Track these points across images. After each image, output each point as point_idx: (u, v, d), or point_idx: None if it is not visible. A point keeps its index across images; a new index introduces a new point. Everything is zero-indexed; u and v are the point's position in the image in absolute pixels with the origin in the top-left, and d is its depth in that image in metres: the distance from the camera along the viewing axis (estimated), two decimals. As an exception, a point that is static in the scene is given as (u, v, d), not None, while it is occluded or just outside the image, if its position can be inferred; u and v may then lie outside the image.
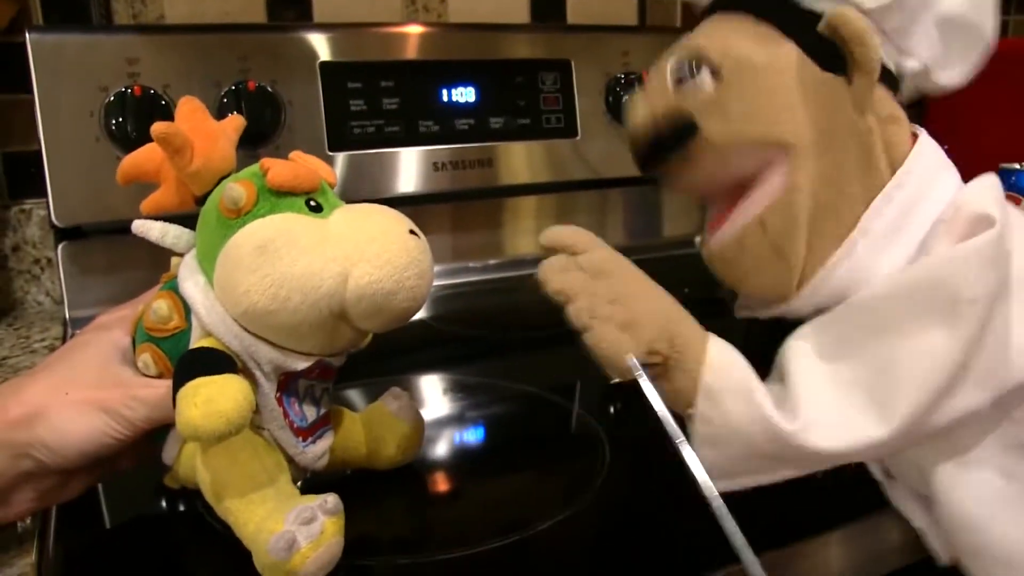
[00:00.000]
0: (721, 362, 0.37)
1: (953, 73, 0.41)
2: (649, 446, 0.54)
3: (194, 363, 0.38)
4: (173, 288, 0.42)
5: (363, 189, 0.89)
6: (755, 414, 0.36)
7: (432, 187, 0.91)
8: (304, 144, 0.86)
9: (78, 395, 0.41)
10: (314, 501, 0.39)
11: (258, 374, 0.40)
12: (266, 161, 0.41)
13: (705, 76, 0.40)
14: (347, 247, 0.39)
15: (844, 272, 0.39)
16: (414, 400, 0.51)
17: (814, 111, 0.38)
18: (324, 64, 0.87)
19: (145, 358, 0.43)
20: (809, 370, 0.37)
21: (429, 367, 0.73)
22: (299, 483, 0.43)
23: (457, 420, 0.62)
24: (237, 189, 0.39)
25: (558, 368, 0.72)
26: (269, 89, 0.83)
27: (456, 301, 0.95)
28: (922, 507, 0.41)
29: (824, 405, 0.36)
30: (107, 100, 0.79)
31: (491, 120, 0.94)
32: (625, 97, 0.42)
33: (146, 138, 0.47)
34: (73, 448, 0.40)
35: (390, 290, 0.39)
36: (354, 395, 0.64)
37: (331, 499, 0.39)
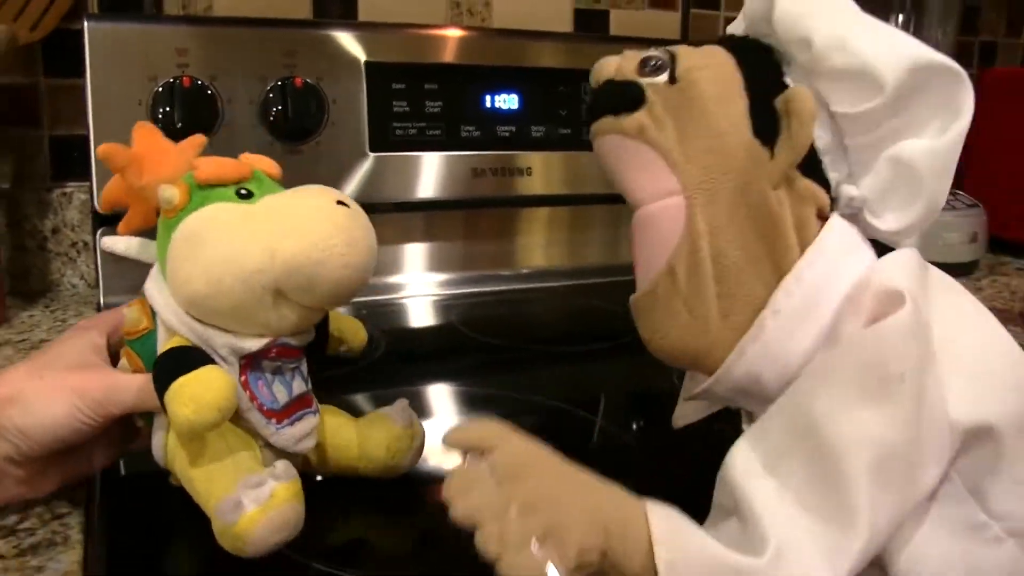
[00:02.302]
0: (670, 531, 0.34)
1: (889, 217, 0.39)
2: (674, 456, 0.55)
3: (169, 363, 0.41)
4: (144, 296, 0.45)
5: (402, 192, 0.89)
6: (723, 570, 0.33)
7: (470, 193, 0.92)
8: (345, 143, 0.86)
9: (53, 379, 0.42)
10: (265, 468, 0.40)
11: (218, 360, 0.42)
12: (197, 159, 0.44)
13: (663, 78, 0.40)
14: (272, 224, 0.41)
15: (755, 353, 0.38)
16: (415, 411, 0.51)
17: (728, 167, 0.38)
18: (369, 63, 0.87)
19: (123, 362, 0.46)
20: (760, 489, 0.35)
21: (453, 377, 0.72)
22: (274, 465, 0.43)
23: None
24: (169, 189, 0.42)
25: (584, 380, 0.72)
26: (315, 86, 0.84)
27: (486, 309, 0.94)
28: None
29: (788, 524, 0.33)
30: (156, 89, 0.80)
31: (533, 128, 0.94)
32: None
33: (192, 129, 0.50)
34: (45, 431, 0.41)
35: (318, 259, 0.40)
36: (367, 405, 0.64)
37: (280, 464, 0.40)
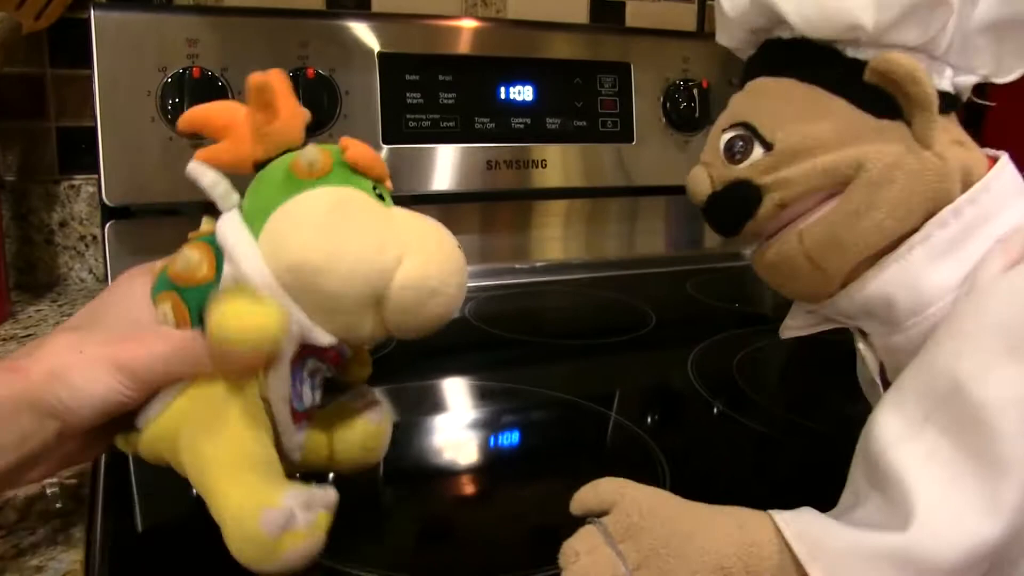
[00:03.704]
0: (800, 533, 0.34)
1: (1014, 72, 0.40)
2: (703, 455, 0.54)
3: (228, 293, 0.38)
4: (207, 242, 0.41)
5: (416, 184, 0.88)
6: (869, 555, 0.33)
7: (485, 186, 0.90)
8: (358, 135, 0.84)
9: (92, 352, 0.39)
10: (313, 487, 0.38)
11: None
12: (345, 140, 0.41)
13: (758, 151, 0.39)
14: (408, 236, 0.39)
15: (894, 273, 0.37)
16: (382, 399, 0.49)
17: (873, 160, 0.37)
18: (382, 55, 0.86)
19: (165, 308, 0.41)
20: (905, 457, 0.34)
21: (465, 371, 0.71)
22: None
23: (489, 428, 0.60)
24: (316, 151, 0.40)
25: (604, 376, 0.70)
26: (328, 77, 0.82)
27: (501, 303, 0.93)
28: None
29: (937, 488, 0.33)
30: (165, 80, 0.79)
31: (547, 120, 0.92)
32: (690, 171, 0.41)
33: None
34: (91, 408, 0.39)
35: (433, 288, 0.39)
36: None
37: (332, 492, 0.38)
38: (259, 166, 0.42)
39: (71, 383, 0.39)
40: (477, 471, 0.53)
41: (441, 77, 0.88)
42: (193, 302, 0.41)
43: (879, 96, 0.37)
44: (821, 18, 0.38)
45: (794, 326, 0.46)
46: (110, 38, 0.78)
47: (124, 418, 0.42)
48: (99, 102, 0.78)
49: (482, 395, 0.66)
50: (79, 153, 0.92)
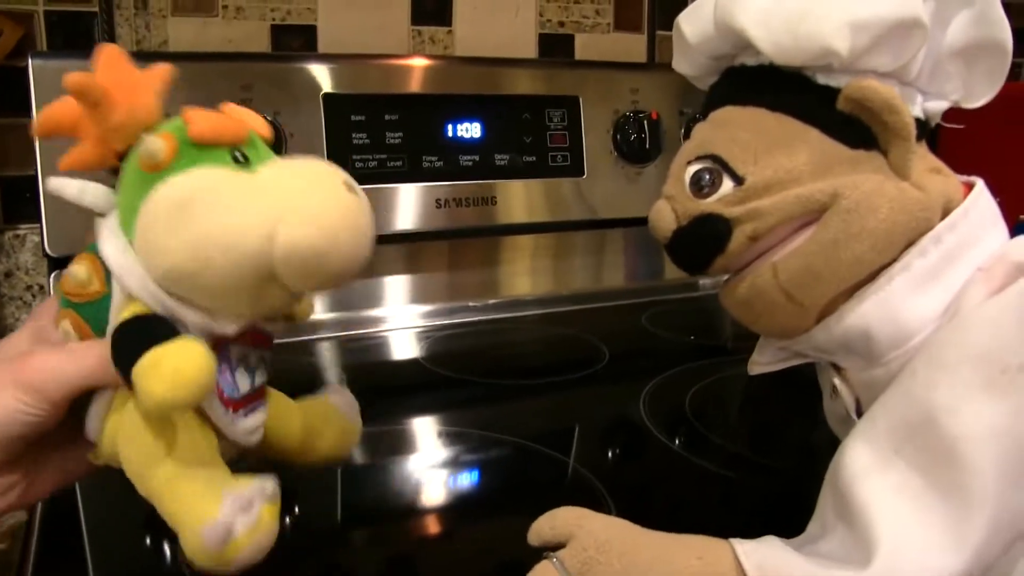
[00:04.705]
0: (759, 566, 0.34)
1: (983, 96, 0.40)
2: (652, 496, 0.54)
3: (139, 332, 0.36)
4: (94, 251, 0.39)
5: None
6: None
7: (434, 225, 0.90)
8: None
9: None
10: (250, 485, 0.36)
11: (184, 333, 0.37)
12: (188, 111, 0.38)
13: (727, 185, 0.38)
14: (274, 202, 0.36)
15: (873, 305, 0.36)
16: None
17: (852, 178, 0.36)
18: (327, 96, 0.85)
19: (64, 325, 0.40)
20: (872, 490, 0.33)
21: (419, 412, 0.70)
22: (228, 461, 0.40)
23: (438, 473, 0.59)
24: (156, 142, 0.37)
25: (553, 417, 0.69)
26: (270, 120, 0.82)
27: (453, 341, 0.92)
28: None
29: (902, 524, 0.32)
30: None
31: (496, 156, 0.92)
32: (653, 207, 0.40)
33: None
34: None
35: (322, 250, 0.36)
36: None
37: (270, 484, 0.37)
38: (122, 155, 0.39)
39: None
40: (428, 515, 0.53)
41: (387, 116, 0.87)
42: (91, 317, 0.39)
43: (852, 125, 0.36)
44: (793, 45, 0.36)
45: (763, 362, 0.45)
46: (49, 86, 0.77)
47: (65, 451, 0.41)
48: (39, 151, 0.77)
49: (431, 440, 0.65)
50: (23, 202, 0.91)
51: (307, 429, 0.45)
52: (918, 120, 0.38)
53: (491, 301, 1.00)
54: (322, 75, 0.86)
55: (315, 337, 0.89)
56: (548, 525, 0.38)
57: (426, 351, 0.87)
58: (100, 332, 0.38)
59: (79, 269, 0.39)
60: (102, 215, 0.40)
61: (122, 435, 0.38)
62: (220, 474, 0.38)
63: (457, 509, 0.54)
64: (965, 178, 0.40)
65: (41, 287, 0.92)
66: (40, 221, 0.77)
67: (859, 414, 0.40)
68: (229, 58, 0.86)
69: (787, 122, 0.37)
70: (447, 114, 0.90)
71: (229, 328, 0.38)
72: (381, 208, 0.87)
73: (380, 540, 0.49)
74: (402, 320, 0.95)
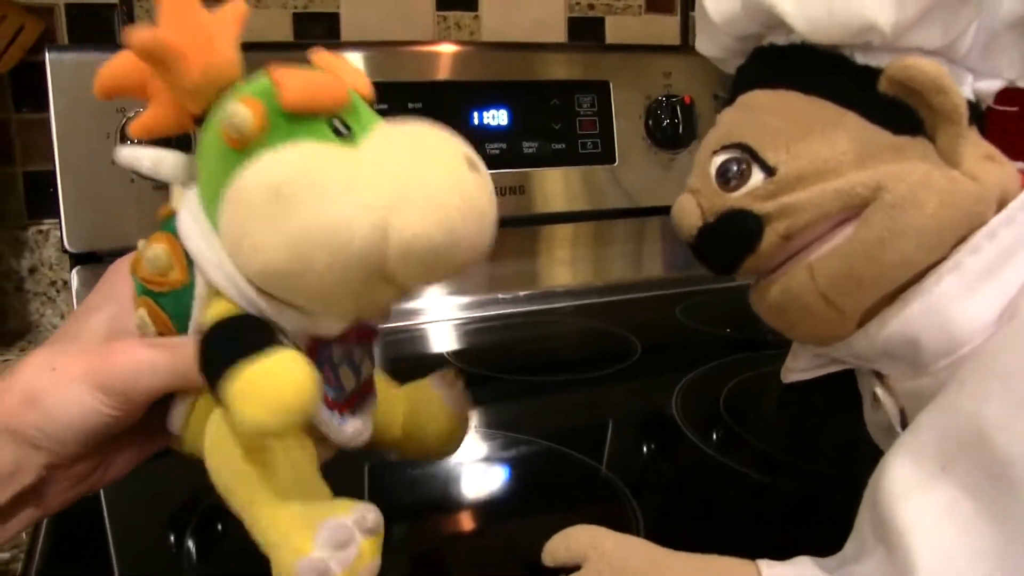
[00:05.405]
0: None
1: None
2: (680, 501, 0.51)
3: (228, 340, 0.31)
4: (172, 231, 0.34)
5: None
6: None
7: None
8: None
9: (66, 369, 0.34)
10: (350, 514, 0.31)
11: (280, 337, 0.33)
12: (277, 72, 0.32)
13: (757, 176, 0.34)
14: (385, 189, 0.31)
15: (919, 309, 0.33)
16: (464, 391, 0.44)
17: (898, 166, 0.33)
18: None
19: (142, 314, 0.36)
20: (914, 511, 0.30)
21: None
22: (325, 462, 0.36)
23: (460, 474, 0.56)
24: (242, 111, 0.31)
25: (578, 416, 0.67)
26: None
27: (481, 336, 0.90)
28: None
29: (944, 550, 0.29)
30: (125, 121, 0.76)
31: (524, 144, 0.90)
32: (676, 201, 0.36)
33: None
34: (69, 432, 0.34)
35: (443, 244, 0.31)
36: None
37: (371, 515, 0.32)
38: (200, 118, 0.34)
39: (45, 408, 0.34)
40: (447, 516, 0.51)
41: (411, 105, 0.85)
42: (171, 308, 0.35)
43: (896, 108, 0.33)
44: (829, 20, 0.33)
45: (797, 368, 0.42)
46: (66, 80, 0.76)
47: (147, 428, 0.37)
48: (57, 147, 0.76)
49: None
50: (46, 198, 0.90)
51: (410, 421, 0.42)
52: (968, 102, 0.34)
53: (521, 293, 0.97)
54: (344, 63, 0.84)
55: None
56: (563, 546, 0.37)
57: (452, 346, 0.85)
58: (181, 326, 0.35)
59: (158, 252, 0.34)
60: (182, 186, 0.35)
61: (209, 441, 0.34)
62: (317, 498, 0.33)
63: (478, 510, 0.52)
64: (1021, 165, 0.36)
65: (65, 282, 0.91)
66: (59, 217, 0.77)
67: (903, 425, 0.36)
68: (249, 48, 0.84)
69: (822, 106, 0.34)
70: (472, 101, 0.88)
71: (332, 330, 0.34)
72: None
73: (401, 539, 0.47)
74: (429, 314, 0.93)
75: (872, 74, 0.34)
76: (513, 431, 0.61)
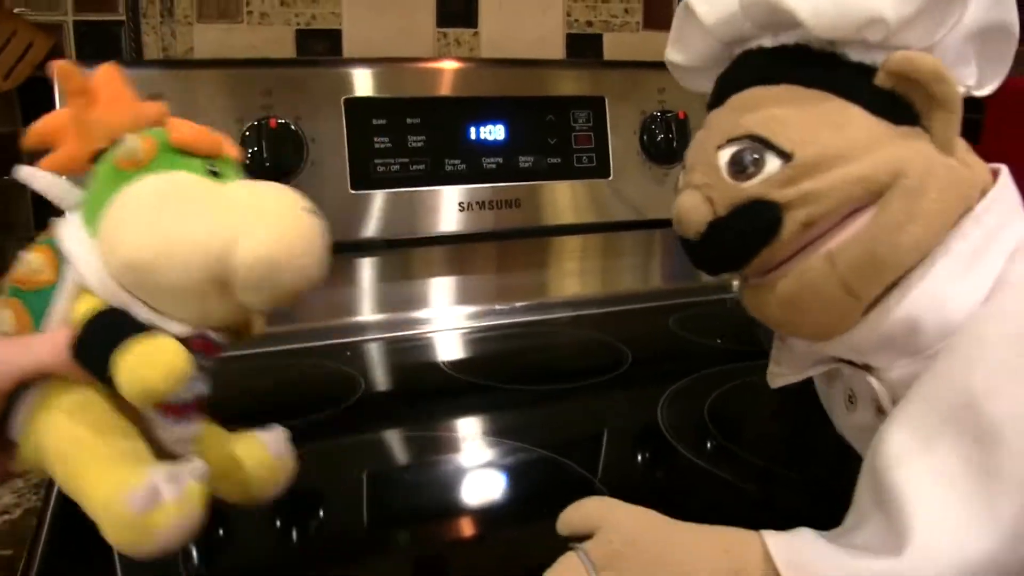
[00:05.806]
0: (791, 560, 0.33)
1: (992, 83, 0.38)
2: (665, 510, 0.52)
3: (120, 324, 0.36)
4: (50, 244, 0.40)
5: (387, 229, 0.86)
6: None
7: (457, 228, 0.89)
8: (326, 182, 0.84)
9: None
10: (180, 464, 0.36)
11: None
12: (172, 122, 0.40)
13: (773, 163, 0.35)
14: (242, 213, 0.38)
15: (918, 295, 0.34)
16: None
17: (910, 151, 0.34)
18: (348, 100, 0.85)
19: (5, 314, 0.40)
20: (908, 477, 0.32)
21: (436, 418, 0.69)
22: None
23: (451, 481, 0.58)
24: (136, 140, 0.38)
25: (567, 424, 0.68)
26: (291, 126, 0.82)
27: (475, 346, 0.92)
28: None
29: (937, 511, 0.31)
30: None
31: (520, 159, 0.91)
32: (676, 193, 0.36)
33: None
34: None
35: (280, 265, 0.37)
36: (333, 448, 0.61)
37: (200, 464, 0.37)
38: (96, 160, 0.40)
39: None
40: (442, 523, 0.52)
41: (409, 120, 0.87)
42: (34, 305, 0.39)
43: (893, 101, 0.35)
44: (836, 12, 0.34)
45: (783, 372, 0.43)
46: (73, 96, 0.78)
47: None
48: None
49: (448, 448, 0.65)
50: (53, 208, 0.92)
51: (229, 456, 0.44)
52: None
53: (518, 304, 0.99)
54: (345, 79, 0.86)
55: (335, 342, 0.89)
56: (576, 515, 0.38)
57: (448, 356, 0.87)
58: (39, 323, 0.38)
59: (34, 257, 0.40)
60: (64, 213, 0.41)
61: (45, 427, 0.38)
62: (147, 456, 0.37)
63: (469, 517, 0.53)
64: (992, 165, 0.38)
65: (71, 293, 0.93)
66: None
67: None
68: (250, 64, 0.86)
69: (827, 98, 0.35)
70: (470, 116, 0.90)
71: (176, 329, 0.38)
72: (403, 211, 0.87)
73: (401, 546, 0.49)
74: (424, 325, 0.94)
75: (866, 70, 0.35)
76: (499, 437, 0.63)
